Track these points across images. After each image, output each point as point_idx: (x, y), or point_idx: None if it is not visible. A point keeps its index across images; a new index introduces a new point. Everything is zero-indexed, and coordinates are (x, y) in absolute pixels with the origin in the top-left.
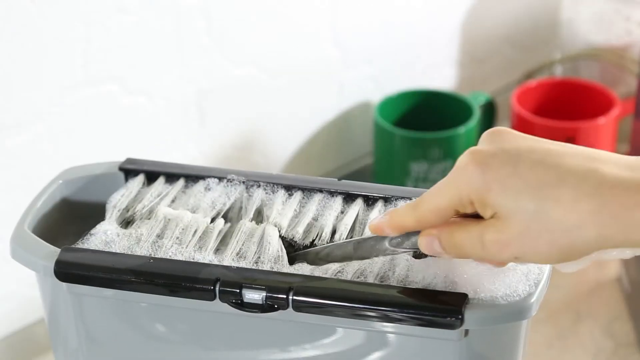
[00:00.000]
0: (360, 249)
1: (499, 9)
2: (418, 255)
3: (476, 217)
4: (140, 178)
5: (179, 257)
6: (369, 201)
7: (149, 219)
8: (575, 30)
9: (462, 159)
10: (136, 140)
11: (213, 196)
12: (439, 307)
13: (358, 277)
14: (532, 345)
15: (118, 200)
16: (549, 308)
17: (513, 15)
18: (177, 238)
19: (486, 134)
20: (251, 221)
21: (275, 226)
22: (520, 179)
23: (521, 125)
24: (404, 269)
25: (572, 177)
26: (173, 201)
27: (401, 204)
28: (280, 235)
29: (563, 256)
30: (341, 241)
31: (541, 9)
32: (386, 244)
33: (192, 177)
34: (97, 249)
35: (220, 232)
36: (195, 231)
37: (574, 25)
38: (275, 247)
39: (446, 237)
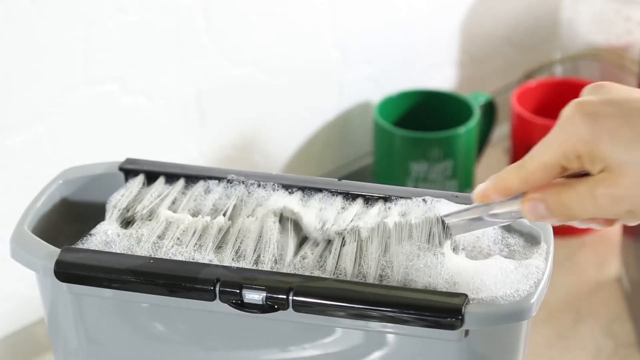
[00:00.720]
0: (455, 226)
1: (499, 9)
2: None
3: (581, 176)
4: (140, 178)
5: (179, 257)
6: (369, 201)
7: (149, 219)
8: (575, 30)
9: (567, 111)
10: (136, 140)
11: (213, 197)
12: (439, 308)
13: (357, 277)
14: (532, 345)
15: (118, 200)
16: (549, 308)
17: (513, 15)
18: (177, 238)
19: (590, 86)
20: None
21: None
22: (632, 129)
23: (521, 125)
24: (404, 269)
25: None
26: (173, 202)
27: (401, 203)
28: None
29: None
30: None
31: (541, 9)
32: (485, 216)
33: (192, 177)
34: (97, 249)
35: (220, 230)
36: (195, 231)
37: (574, 25)
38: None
39: (553, 198)
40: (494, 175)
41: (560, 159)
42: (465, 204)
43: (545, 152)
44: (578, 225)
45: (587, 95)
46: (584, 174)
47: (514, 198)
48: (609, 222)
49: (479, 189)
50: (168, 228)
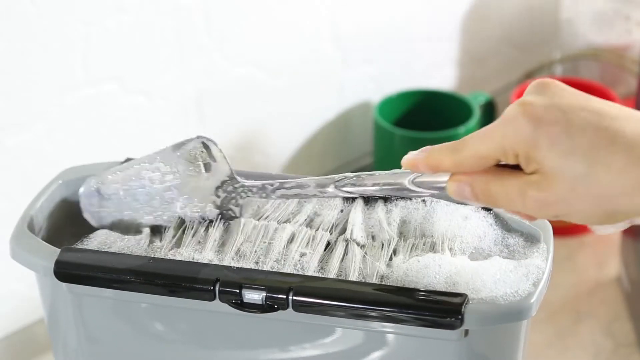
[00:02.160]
0: (385, 185)
1: (499, 9)
2: (438, 196)
3: (513, 168)
4: None
5: (179, 257)
6: (369, 201)
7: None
8: (575, 30)
9: (512, 110)
10: (136, 140)
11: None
12: (439, 307)
13: (358, 277)
14: (532, 345)
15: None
16: (549, 308)
17: (513, 15)
18: (177, 238)
19: (534, 85)
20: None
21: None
22: (572, 139)
23: None
24: (403, 269)
25: (624, 143)
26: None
27: (401, 203)
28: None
29: (605, 219)
30: (372, 172)
31: (541, 9)
32: (406, 182)
33: None
34: (96, 249)
35: (219, 231)
36: (195, 231)
37: (574, 25)
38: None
39: (480, 185)
40: (428, 147)
41: (498, 153)
42: (464, 204)
43: (483, 144)
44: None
45: (532, 95)
46: (515, 166)
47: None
48: (531, 217)
49: (410, 155)
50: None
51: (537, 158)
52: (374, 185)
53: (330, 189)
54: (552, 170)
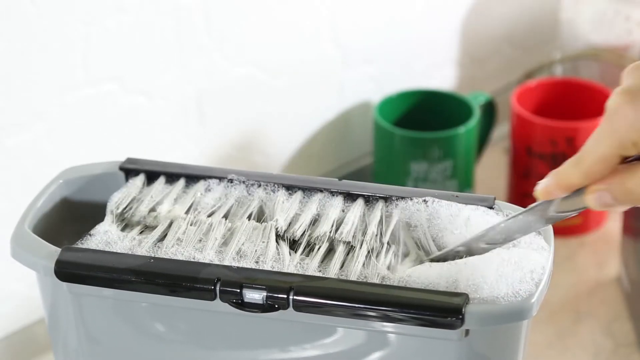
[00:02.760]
0: (516, 225)
1: (499, 9)
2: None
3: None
4: (141, 178)
5: (180, 257)
6: (369, 201)
7: (150, 219)
8: (575, 30)
9: (613, 102)
10: (136, 140)
11: (213, 196)
12: (440, 307)
13: (358, 277)
14: (532, 345)
15: (118, 200)
16: (549, 308)
17: (513, 15)
18: (178, 238)
19: (629, 70)
20: (250, 220)
21: (276, 225)
22: None
23: (521, 125)
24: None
25: None
26: (174, 202)
27: (401, 204)
28: (279, 234)
29: None
30: (494, 224)
31: (541, 9)
32: (551, 211)
33: (193, 177)
34: (97, 248)
35: (220, 231)
36: (196, 231)
37: (574, 25)
38: (274, 246)
39: (617, 186)
40: (553, 171)
41: (617, 148)
42: (465, 203)
43: (600, 146)
44: None
45: (627, 79)
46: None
47: (576, 192)
48: None
49: (541, 186)
50: (167, 226)
51: None
52: (516, 232)
53: (482, 245)
54: None
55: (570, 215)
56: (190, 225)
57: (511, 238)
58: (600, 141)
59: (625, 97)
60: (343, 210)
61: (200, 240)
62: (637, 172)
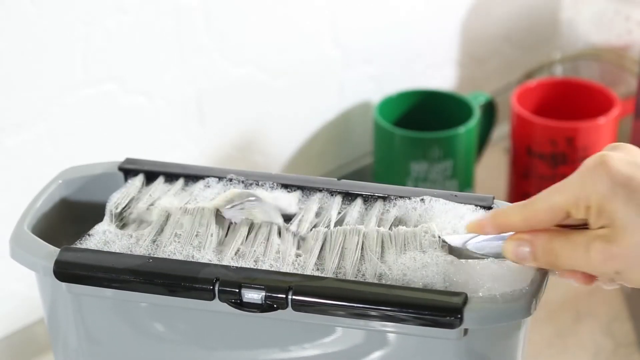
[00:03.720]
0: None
1: (499, 9)
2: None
3: (574, 229)
4: (140, 178)
5: (178, 257)
6: (369, 201)
7: (149, 219)
8: (575, 30)
9: (592, 161)
10: (136, 140)
11: (212, 191)
12: (439, 307)
13: (357, 277)
14: (532, 345)
15: (117, 200)
16: (549, 308)
17: (513, 15)
18: (177, 238)
19: (610, 146)
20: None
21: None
22: None
23: (521, 125)
24: (402, 267)
25: None
26: (172, 197)
27: (401, 203)
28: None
29: None
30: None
31: (541, 9)
32: (465, 246)
33: (192, 177)
34: (96, 248)
35: (220, 231)
36: (195, 231)
37: (574, 25)
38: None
39: (543, 242)
40: (494, 210)
41: (570, 204)
42: (465, 203)
43: (558, 194)
44: (552, 274)
45: (610, 151)
46: (579, 227)
47: (498, 237)
48: (589, 279)
49: (475, 219)
50: (166, 226)
51: (611, 211)
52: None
53: None
54: (623, 224)
55: (479, 257)
56: (190, 225)
57: None
58: (559, 191)
59: (606, 163)
60: (340, 212)
61: (197, 235)
62: (568, 235)
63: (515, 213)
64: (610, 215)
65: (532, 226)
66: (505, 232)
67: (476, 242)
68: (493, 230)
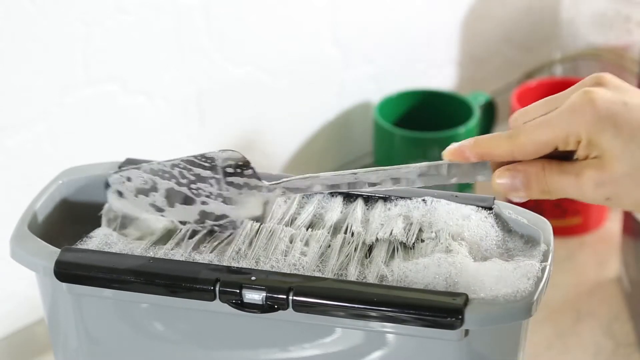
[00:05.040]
0: (423, 176)
1: (499, 9)
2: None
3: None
4: None
5: (179, 258)
6: (369, 201)
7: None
8: (575, 30)
9: (579, 97)
10: (136, 140)
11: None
12: (439, 307)
13: (358, 278)
14: (532, 345)
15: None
16: (549, 308)
17: (513, 15)
18: (177, 238)
19: (592, 78)
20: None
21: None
22: (636, 128)
23: None
24: (403, 269)
25: None
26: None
27: (401, 203)
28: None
29: None
30: (402, 166)
31: (541, 9)
32: (444, 172)
33: None
34: (97, 249)
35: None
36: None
37: (574, 25)
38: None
39: (535, 171)
40: (475, 137)
41: (559, 140)
42: (465, 204)
43: (546, 129)
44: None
45: (594, 87)
46: (566, 158)
47: (481, 164)
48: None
49: (454, 144)
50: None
51: (600, 143)
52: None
53: (364, 187)
54: (613, 154)
55: (456, 182)
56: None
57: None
58: (546, 126)
59: (593, 98)
60: (342, 212)
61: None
62: (560, 164)
63: (501, 144)
64: (600, 147)
65: (516, 158)
66: (486, 160)
67: (455, 170)
68: (474, 157)
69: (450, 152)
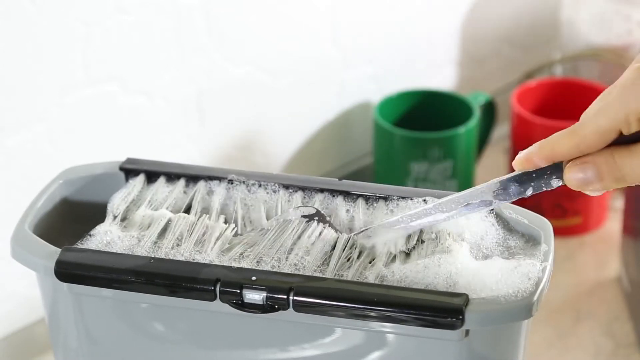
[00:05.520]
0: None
1: (499, 9)
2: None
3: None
4: (141, 178)
5: (180, 258)
6: (370, 201)
7: (150, 219)
8: (575, 30)
9: (628, 76)
10: (136, 140)
11: (217, 198)
12: (440, 307)
13: (358, 278)
14: (532, 345)
15: (119, 200)
16: (549, 308)
17: (513, 15)
18: (178, 238)
19: None
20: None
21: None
22: None
23: (521, 125)
24: (404, 270)
25: None
26: (174, 201)
27: (402, 204)
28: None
29: None
30: (473, 189)
31: (541, 9)
32: (490, 197)
33: (193, 177)
34: (97, 249)
35: (221, 231)
36: (195, 231)
37: (574, 25)
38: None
39: (605, 159)
40: (538, 142)
41: (621, 122)
42: None
43: (604, 116)
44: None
45: None
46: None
47: (553, 167)
48: None
49: (522, 153)
50: (168, 227)
51: None
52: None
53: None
54: None
55: (530, 193)
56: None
57: (456, 211)
58: (604, 112)
59: None
60: (348, 210)
61: (200, 240)
62: (628, 147)
63: (564, 142)
64: None
65: (583, 152)
66: (555, 162)
67: (521, 180)
68: (542, 161)
69: (519, 161)
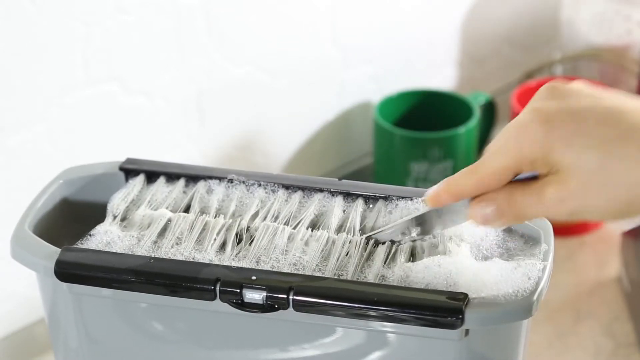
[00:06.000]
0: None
1: (499, 9)
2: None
3: (529, 180)
4: (141, 178)
5: (179, 257)
6: (369, 201)
7: (150, 219)
8: (575, 30)
9: (524, 117)
10: (136, 140)
11: (216, 197)
12: (440, 307)
13: (358, 277)
14: (532, 345)
15: (119, 200)
16: (549, 308)
17: (513, 15)
18: (178, 238)
19: (544, 89)
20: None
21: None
22: (584, 137)
23: None
24: (404, 270)
25: (636, 134)
26: (174, 201)
27: (402, 204)
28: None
29: (622, 213)
30: (399, 222)
31: (541, 9)
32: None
33: (193, 177)
34: (97, 249)
35: (221, 231)
36: (195, 231)
37: (574, 25)
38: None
39: (504, 198)
40: (447, 178)
41: (514, 164)
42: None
43: (500, 158)
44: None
45: (542, 100)
46: (531, 178)
47: (462, 204)
48: (557, 220)
49: (431, 191)
50: (168, 226)
51: (554, 160)
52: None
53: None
54: (567, 166)
55: (448, 227)
56: (190, 225)
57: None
58: (500, 153)
59: (538, 116)
60: (344, 211)
61: (200, 240)
62: (524, 187)
63: (466, 181)
64: (555, 163)
65: (484, 190)
66: (460, 199)
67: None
68: (449, 199)
69: (428, 199)
